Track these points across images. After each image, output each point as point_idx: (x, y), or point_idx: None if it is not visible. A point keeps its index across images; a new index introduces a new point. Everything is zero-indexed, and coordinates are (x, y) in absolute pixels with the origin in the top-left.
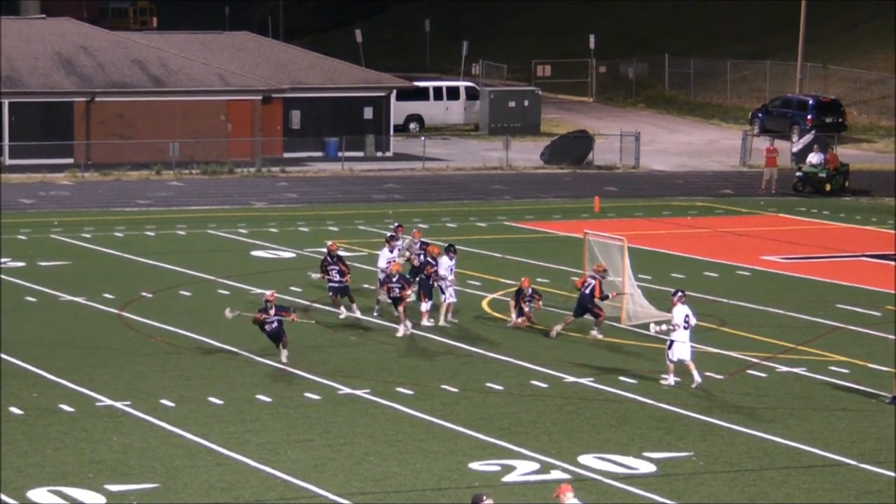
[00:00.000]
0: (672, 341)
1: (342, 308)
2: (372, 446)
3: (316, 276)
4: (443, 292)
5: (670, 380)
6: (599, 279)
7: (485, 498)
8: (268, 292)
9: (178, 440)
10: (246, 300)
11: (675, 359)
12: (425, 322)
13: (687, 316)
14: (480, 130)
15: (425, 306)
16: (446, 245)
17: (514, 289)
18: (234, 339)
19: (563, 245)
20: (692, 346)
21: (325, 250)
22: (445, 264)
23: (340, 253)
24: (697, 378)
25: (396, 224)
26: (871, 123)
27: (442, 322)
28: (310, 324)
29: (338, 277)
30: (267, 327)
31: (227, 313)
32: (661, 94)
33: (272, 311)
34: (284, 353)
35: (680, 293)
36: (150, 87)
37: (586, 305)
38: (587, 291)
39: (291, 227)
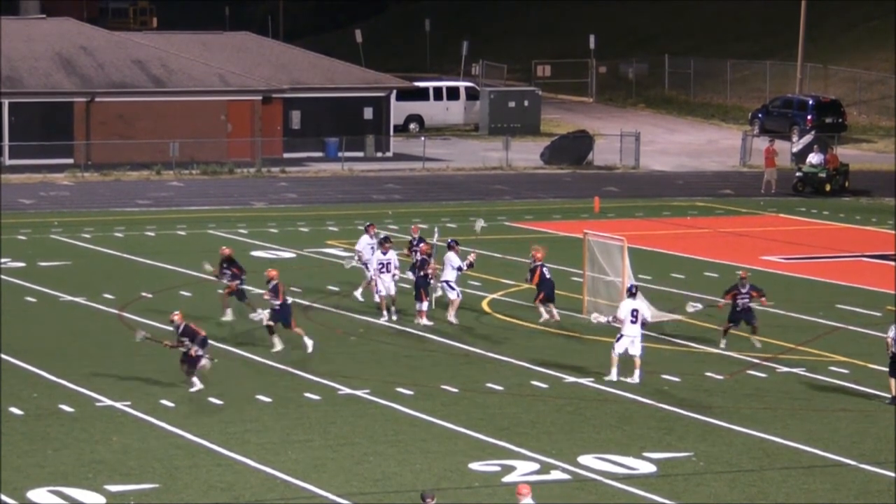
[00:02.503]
0: (621, 335)
1: (229, 311)
2: (372, 446)
3: (209, 268)
4: (452, 289)
5: (612, 375)
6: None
7: (429, 499)
8: (175, 313)
9: (178, 440)
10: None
11: (619, 351)
12: (423, 321)
13: (635, 311)
14: (480, 130)
15: (424, 306)
16: (448, 241)
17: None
18: (235, 340)
19: (563, 245)
20: (643, 345)
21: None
22: (454, 260)
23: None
24: (637, 378)
25: (368, 223)
26: (871, 123)
27: (452, 319)
28: (212, 362)
29: (229, 281)
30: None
31: (138, 335)
32: (661, 94)
33: (185, 338)
34: (197, 381)
35: (631, 287)
36: (151, 87)
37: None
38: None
39: (291, 228)
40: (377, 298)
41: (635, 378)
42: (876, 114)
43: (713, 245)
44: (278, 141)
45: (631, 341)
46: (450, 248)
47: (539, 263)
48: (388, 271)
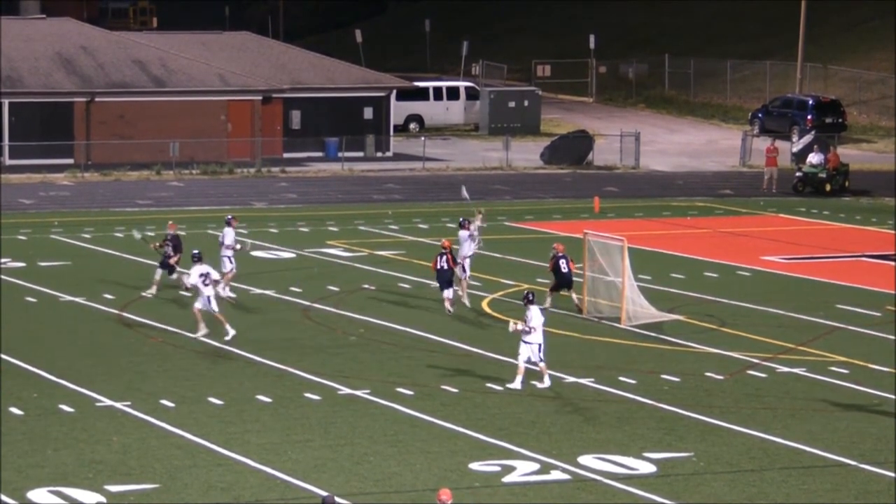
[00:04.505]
0: (528, 343)
1: None
2: (372, 447)
3: None
4: (464, 270)
5: (517, 383)
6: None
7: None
8: None
9: (178, 440)
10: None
11: (525, 360)
12: (450, 309)
13: (543, 318)
14: (480, 130)
15: (450, 293)
16: (461, 220)
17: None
18: (235, 340)
19: (563, 245)
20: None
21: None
22: (465, 235)
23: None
24: (548, 382)
25: (230, 216)
26: (871, 123)
27: (464, 300)
28: None
29: None
30: None
31: None
32: (661, 94)
33: None
34: None
35: (529, 294)
36: (151, 87)
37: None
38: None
39: (291, 228)
40: (199, 306)
41: (546, 383)
42: (876, 114)
43: (713, 245)
44: (278, 141)
45: (531, 349)
46: (461, 227)
47: (559, 255)
48: (208, 283)
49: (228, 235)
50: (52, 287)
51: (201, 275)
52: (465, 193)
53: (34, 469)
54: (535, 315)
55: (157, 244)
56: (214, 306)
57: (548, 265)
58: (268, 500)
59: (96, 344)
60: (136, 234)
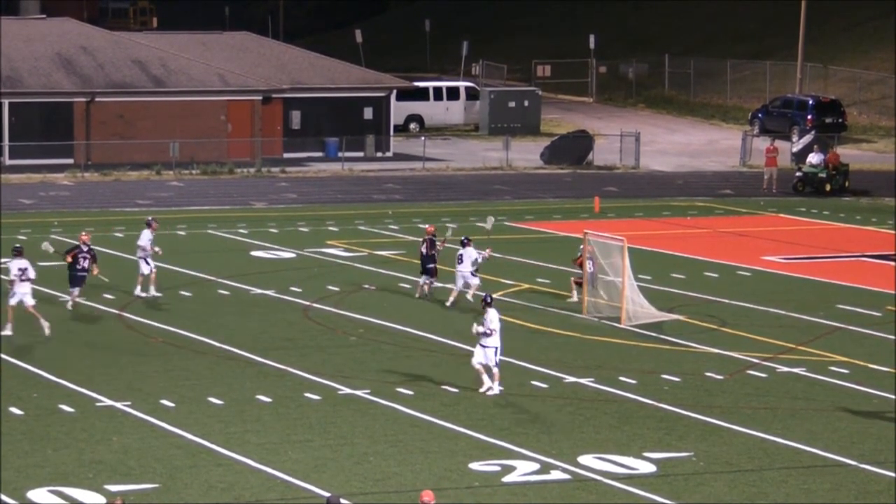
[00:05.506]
0: (484, 346)
1: None
2: (372, 446)
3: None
4: (474, 276)
5: (496, 388)
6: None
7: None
8: None
9: (178, 440)
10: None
11: (482, 362)
12: (418, 295)
13: (500, 321)
14: (480, 131)
15: (424, 279)
16: (462, 239)
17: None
18: (235, 340)
19: (563, 245)
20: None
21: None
22: (472, 254)
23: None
24: (498, 389)
25: (151, 217)
26: (871, 123)
27: (471, 298)
28: None
29: None
30: None
31: None
32: (661, 94)
33: None
34: None
35: (487, 297)
36: (151, 87)
37: None
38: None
39: (291, 228)
40: (13, 302)
41: (496, 390)
42: (876, 114)
43: (713, 245)
44: (278, 141)
45: (485, 353)
46: (464, 245)
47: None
48: (24, 279)
49: (144, 237)
50: (52, 287)
51: (19, 269)
52: (489, 226)
53: (34, 469)
54: (493, 318)
55: (70, 255)
56: (28, 301)
57: (577, 261)
58: (268, 500)
59: (96, 344)
60: (49, 248)
